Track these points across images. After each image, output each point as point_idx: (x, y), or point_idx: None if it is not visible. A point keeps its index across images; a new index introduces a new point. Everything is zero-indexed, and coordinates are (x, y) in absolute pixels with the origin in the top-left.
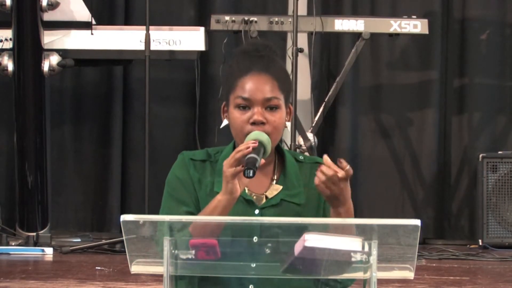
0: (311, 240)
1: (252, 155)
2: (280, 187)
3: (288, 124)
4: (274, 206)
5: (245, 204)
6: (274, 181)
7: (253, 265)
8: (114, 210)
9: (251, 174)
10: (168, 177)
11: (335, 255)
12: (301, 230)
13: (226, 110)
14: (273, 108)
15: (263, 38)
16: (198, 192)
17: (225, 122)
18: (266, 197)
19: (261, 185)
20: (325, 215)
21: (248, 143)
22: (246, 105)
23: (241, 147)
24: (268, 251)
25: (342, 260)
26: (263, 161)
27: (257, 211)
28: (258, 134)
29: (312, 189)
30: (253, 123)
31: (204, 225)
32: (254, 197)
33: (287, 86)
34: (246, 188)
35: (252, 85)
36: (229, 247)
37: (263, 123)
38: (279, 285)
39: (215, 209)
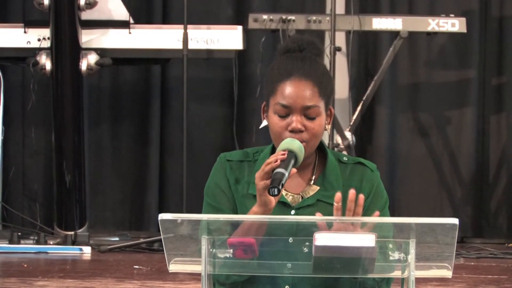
0: (321, 239)
1: (279, 169)
2: (317, 188)
3: (329, 127)
4: (310, 206)
5: (281, 206)
6: (312, 181)
7: (290, 264)
8: (152, 209)
9: (276, 193)
10: (206, 184)
11: (347, 252)
12: None
13: (266, 111)
14: (312, 117)
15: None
16: (234, 193)
17: (264, 122)
18: (302, 197)
19: (299, 186)
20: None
21: (278, 154)
22: (286, 112)
23: (271, 159)
24: (305, 250)
25: (359, 257)
26: (294, 170)
27: (293, 212)
28: (289, 143)
29: (350, 188)
30: (292, 131)
31: (246, 232)
32: (290, 197)
33: (328, 90)
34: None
35: (292, 92)
36: (266, 246)
37: (301, 131)
38: (316, 284)
39: (252, 222)
